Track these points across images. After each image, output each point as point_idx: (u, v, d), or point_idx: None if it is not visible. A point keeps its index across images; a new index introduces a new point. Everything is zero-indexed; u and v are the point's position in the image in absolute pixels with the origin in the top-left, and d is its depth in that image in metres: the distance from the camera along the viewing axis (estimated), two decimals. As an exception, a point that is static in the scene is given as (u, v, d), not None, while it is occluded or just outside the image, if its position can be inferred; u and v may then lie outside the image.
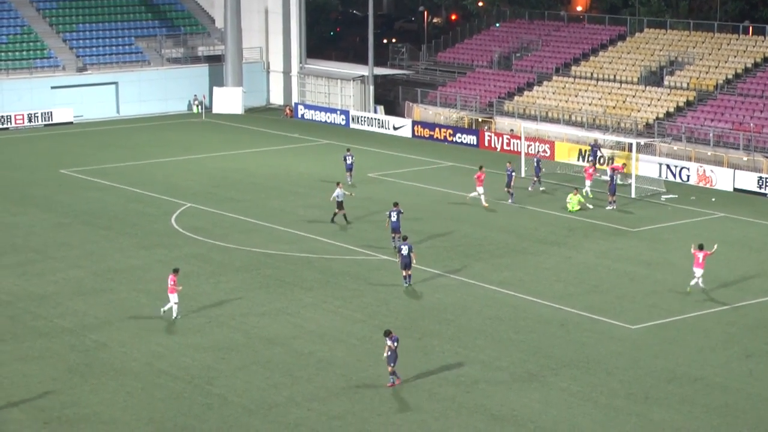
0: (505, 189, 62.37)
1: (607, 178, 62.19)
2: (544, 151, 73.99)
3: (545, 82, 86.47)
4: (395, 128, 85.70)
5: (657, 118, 76.96)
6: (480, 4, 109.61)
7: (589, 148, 72.12)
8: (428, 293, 47.08)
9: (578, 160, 72.79)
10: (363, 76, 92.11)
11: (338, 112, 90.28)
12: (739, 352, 40.26)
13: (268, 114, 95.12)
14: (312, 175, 69.82)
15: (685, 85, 80.00)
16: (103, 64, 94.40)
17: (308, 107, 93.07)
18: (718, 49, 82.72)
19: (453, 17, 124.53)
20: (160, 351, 40.49)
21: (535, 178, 65.32)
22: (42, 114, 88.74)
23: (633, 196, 63.86)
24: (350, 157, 67.54)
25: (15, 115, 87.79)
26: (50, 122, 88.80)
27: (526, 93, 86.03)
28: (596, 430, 34.05)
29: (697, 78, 79.89)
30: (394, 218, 52.72)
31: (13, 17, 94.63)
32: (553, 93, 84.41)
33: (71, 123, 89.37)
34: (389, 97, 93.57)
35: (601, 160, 70.96)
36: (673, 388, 36.90)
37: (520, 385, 37.29)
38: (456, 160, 74.42)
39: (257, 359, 39.70)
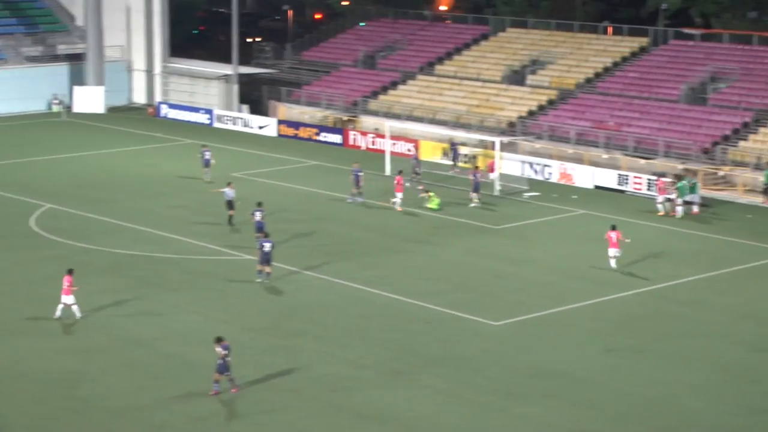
0: (353, 190, 62.08)
1: (471, 177, 62.74)
2: (409, 149, 74.34)
3: (410, 81, 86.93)
4: (260, 127, 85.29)
5: (520, 117, 77.92)
6: (345, 2, 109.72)
7: (449, 146, 72.68)
8: (294, 292, 46.95)
9: (442, 158, 73.28)
10: (227, 75, 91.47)
11: (202, 112, 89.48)
12: (600, 347, 40.94)
13: (130, 113, 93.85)
14: (176, 175, 69.10)
15: (546, 84, 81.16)
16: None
17: (172, 106, 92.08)
18: (579, 49, 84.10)
19: (318, 16, 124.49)
20: (19, 354, 39.60)
21: (417, 176, 65.17)
22: None
23: (496, 193, 64.54)
24: (208, 153, 67.44)
25: None
26: None
27: (390, 92, 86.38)
28: (461, 426, 34.30)
29: (559, 77, 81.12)
30: (258, 218, 52.56)
31: None
32: (418, 92, 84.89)
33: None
34: (254, 96, 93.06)
35: (464, 159, 71.52)
36: (536, 384, 37.36)
37: (386, 383, 37.38)
38: (321, 159, 74.37)
39: (122, 362, 39.13)
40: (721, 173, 66.95)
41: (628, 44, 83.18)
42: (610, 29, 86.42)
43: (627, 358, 39.85)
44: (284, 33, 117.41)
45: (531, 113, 78.56)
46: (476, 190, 61.77)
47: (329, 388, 36.85)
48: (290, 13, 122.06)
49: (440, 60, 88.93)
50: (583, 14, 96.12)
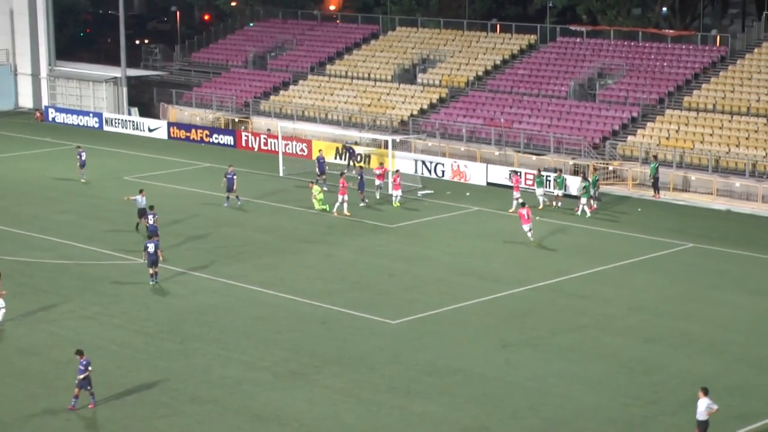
0: (227, 193, 61.66)
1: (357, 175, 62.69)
2: (302, 150, 74.23)
3: (301, 81, 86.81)
4: (150, 130, 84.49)
5: (411, 115, 78.24)
6: (233, 3, 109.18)
7: (342, 147, 72.72)
8: (189, 295, 46.57)
9: (335, 158, 73.28)
10: (116, 77, 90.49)
11: (91, 115, 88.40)
12: (495, 342, 41.25)
13: (17, 118, 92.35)
14: (64, 180, 68.16)
15: (437, 83, 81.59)
16: None
17: (59, 110, 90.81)
18: (468, 47, 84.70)
19: (206, 17, 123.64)
20: None
21: (324, 177, 64.93)
22: None
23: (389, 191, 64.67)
24: (83, 154, 67.71)
25: None
26: None
27: (282, 92, 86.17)
28: (359, 425, 34.31)
29: (449, 75, 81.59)
30: (150, 221, 52.09)
31: None
32: (309, 92, 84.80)
33: None
34: (144, 98, 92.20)
35: (359, 159, 71.64)
36: (433, 381, 37.51)
37: (284, 385, 37.25)
38: (213, 161, 73.87)
39: (12, 370, 38.43)
40: (611, 168, 67.91)
41: (517, 42, 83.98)
42: (498, 27, 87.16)
43: (522, 353, 40.19)
44: (173, 35, 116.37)
45: (423, 111, 78.93)
46: (361, 189, 61.75)
47: (227, 390, 36.60)
48: (178, 14, 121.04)
49: (331, 60, 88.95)
50: (471, 12, 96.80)
